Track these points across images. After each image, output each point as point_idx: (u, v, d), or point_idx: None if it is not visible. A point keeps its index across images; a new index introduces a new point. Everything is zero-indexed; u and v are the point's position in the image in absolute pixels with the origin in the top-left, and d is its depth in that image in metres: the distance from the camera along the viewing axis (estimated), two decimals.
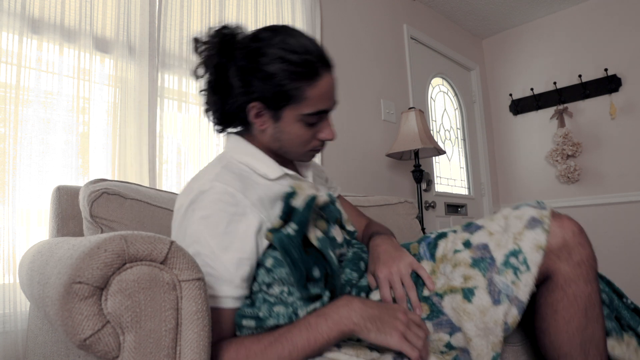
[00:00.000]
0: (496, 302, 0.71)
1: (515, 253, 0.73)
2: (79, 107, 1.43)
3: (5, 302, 1.21)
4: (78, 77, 1.44)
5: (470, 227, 0.81)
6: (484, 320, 0.71)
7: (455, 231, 0.84)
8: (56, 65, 1.41)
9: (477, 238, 0.77)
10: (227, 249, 0.72)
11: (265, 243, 0.77)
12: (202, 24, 1.82)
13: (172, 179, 1.68)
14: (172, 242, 0.63)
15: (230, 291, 0.71)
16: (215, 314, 0.70)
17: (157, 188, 1.51)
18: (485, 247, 0.75)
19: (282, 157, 0.91)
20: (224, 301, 0.71)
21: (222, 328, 0.72)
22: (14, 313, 1.21)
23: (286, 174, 0.86)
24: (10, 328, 1.20)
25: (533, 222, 0.74)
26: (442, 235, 0.85)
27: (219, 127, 0.90)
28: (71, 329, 0.56)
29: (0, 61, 1.29)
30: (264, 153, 0.87)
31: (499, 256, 0.74)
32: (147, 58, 1.60)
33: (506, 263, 0.72)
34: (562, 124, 3.31)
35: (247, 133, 0.90)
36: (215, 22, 1.86)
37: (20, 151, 1.29)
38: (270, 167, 0.84)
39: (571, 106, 3.31)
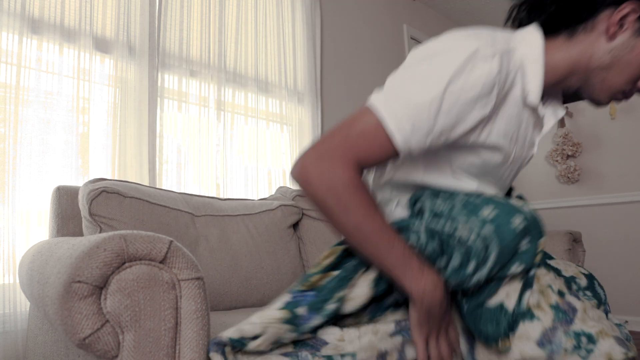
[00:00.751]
0: (540, 344, 0.70)
1: (590, 338, 0.70)
2: (79, 107, 1.43)
3: (5, 302, 1.21)
4: (78, 77, 1.44)
5: (571, 292, 0.79)
6: (515, 344, 0.70)
7: (559, 274, 0.84)
8: (56, 65, 1.41)
9: (573, 300, 0.76)
10: (448, 115, 0.68)
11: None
12: (202, 24, 1.82)
13: (172, 179, 1.68)
14: (171, 242, 0.63)
15: (415, 140, 0.68)
16: (383, 138, 0.67)
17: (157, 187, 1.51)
18: (574, 310, 0.74)
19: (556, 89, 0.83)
20: (402, 144, 0.68)
21: (371, 146, 0.68)
22: (14, 313, 1.21)
23: (534, 110, 0.78)
24: (10, 328, 1.20)
25: (621, 341, 0.72)
26: (552, 267, 0.85)
27: (543, 22, 0.80)
28: (71, 328, 0.56)
29: (0, 61, 1.29)
30: (544, 74, 0.77)
31: (577, 325, 0.71)
32: (147, 58, 1.61)
33: (577, 335, 0.70)
34: (562, 124, 3.30)
35: (564, 35, 0.79)
36: (215, 22, 1.86)
37: (20, 151, 1.29)
38: (537, 92, 0.74)
39: (571, 106, 3.31)
